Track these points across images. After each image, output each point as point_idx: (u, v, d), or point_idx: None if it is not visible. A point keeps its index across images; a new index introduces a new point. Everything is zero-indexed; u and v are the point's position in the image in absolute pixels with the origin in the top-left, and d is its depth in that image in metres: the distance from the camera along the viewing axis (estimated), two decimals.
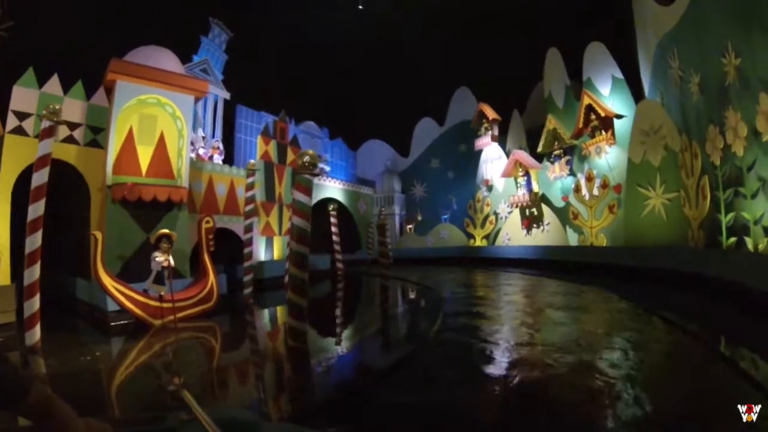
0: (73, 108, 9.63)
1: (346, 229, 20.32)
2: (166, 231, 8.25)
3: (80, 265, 9.57)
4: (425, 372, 4.89)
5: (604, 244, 13.78)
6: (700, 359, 4.88)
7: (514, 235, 18.32)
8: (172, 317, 7.90)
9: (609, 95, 14.25)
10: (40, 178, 6.46)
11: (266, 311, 10.23)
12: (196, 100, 11.22)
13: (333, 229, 17.51)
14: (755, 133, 6.95)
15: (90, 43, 11.26)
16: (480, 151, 20.53)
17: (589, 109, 14.31)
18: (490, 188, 19.98)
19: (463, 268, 17.61)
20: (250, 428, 1.50)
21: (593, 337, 5.87)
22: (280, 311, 9.47)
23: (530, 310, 8.12)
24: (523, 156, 17.35)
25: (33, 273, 6.32)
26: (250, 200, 11.38)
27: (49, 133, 6.61)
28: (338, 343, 6.79)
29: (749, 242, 7.52)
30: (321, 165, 20.83)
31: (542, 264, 15.69)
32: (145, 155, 9.87)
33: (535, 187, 17.03)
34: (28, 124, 8.95)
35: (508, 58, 19.60)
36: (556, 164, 16.24)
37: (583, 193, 14.74)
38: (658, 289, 9.52)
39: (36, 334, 6.34)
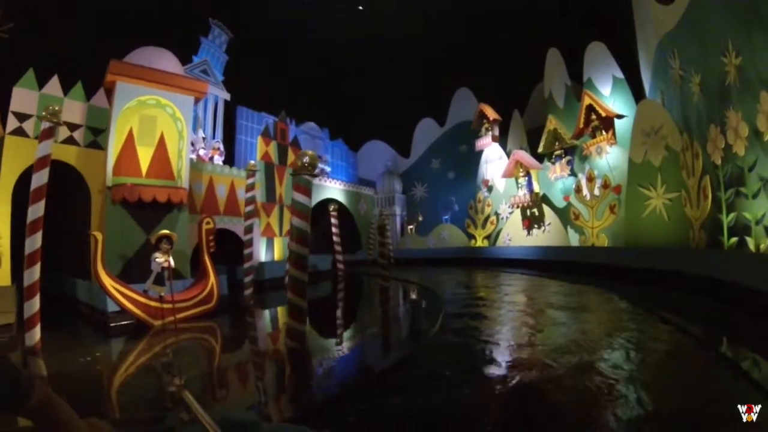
0: (73, 109, 9.66)
1: (347, 230, 20.32)
2: (166, 232, 8.25)
3: (80, 266, 9.58)
4: (426, 372, 4.88)
5: (605, 245, 13.76)
6: (701, 360, 4.86)
7: (514, 235, 18.29)
8: (172, 318, 7.90)
9: (609, 95, 14.23)
10: (39, 179, 6.48)
11: (266, 312, 10.23)
12: (196, 101, 11.23)
13: (334, 229, 17.51)
14: (756, 132, 6.92)
15: (90, 45, 11.28)
16: (481, 152, 20.51)
17: (590, 109, 14.29)
18: (489, 189, 19.96)
19: (463, 269, 17.59)
20: (250, 429, 1.49)
21: (594, 337, 5.85)
22: (281, 312, 9.46)
23: (531, 311, 8.11)
24: (524, 156, 17.33)
25: (33, 274, 6.33)
26: (251, 201, 11.38)
27: (48, 134, 6.62)
28: (338, 344, 6.78)
29: (751, 242, 7.50)
30: (321, 166, 20.84)
31: (543, 264, 15.65)
32: (145, 156, 9.88)
33: (536, 188, 17.01)
34: (29, 126, 8.97)
35: (508, 58, 19.58)
36: (557, 164, 16.21)
37: (584, 194, 14.72)
38: (659, 290, 9.49)
39: (36, 334, 6.35)
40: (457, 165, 22.35)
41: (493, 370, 4.68)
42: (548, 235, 16.52)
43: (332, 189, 20.49)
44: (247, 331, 8.43)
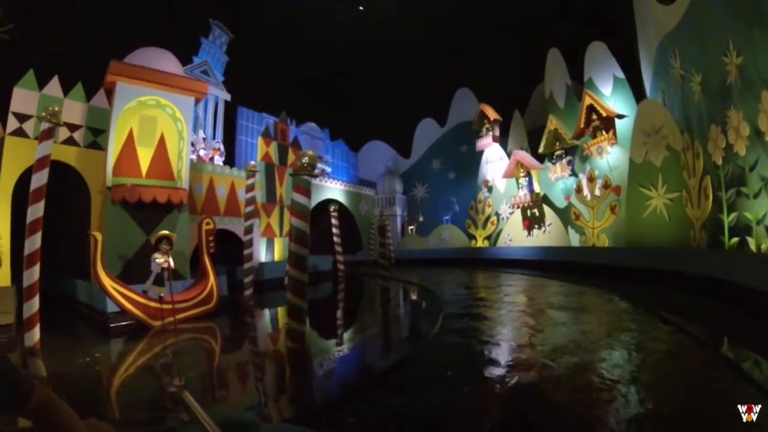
0: (74, 110, 9.67)
1: (348, 231, 20.31)
2: (166, 232, 8.25)
3: (80, 267, 9.57)
4: (426, 373, 4.86)
5: (606, 245, 13.73)
6: (702, 360, 4.83)
7: (515, 236, 18.26)
8: (171, 318, 7.90)
9: (610, 95, 14.20)
10: (39, 179, 6.48)
11: (266, 312, 10.22)
12: (197, 101, 11.24)
13: (334, 230, 17.50)
14: (757, 132, 6.90)
15: (90, 45, 11.30)
16: (481, 152, 20.48)
17: (591, 109, 14.27)
18: (490, 189, 19.93)
19: (464, 270, 17.56)
20: (250, 429, 1.50)
21: (594, 337, 5.83)
22: (281, 312, 9.44)
23: (531, 311, 8.08)
24: (525, 156, 17.30)
25: (32, 274, 6.33)
26: (251, 202, 11.37)
27: (48, 134, 6.62)
28: (338, 344, 6.77)
29: (752, 242, 7.47)
30: (322, 166, 20.85)
31: (543, 265, 15.62)
32: (145, 157, 9.89)
33: (537, 188, 16.98)
34: (29, 126, 8.98)
35: (509, 58, 19.57)
36: (558, 165, 16.18)
37: (585, 194, 14.70)
38: (660, 290, 9.46)
39: (35, 335, 6.36)
40: (457, 165, 22.32)
41: (494, 371, 4.66)
42: (549, 235, 16.49)
43: (333, 189, 20.49)
44: (247, 332, 8.42)
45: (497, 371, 4.64)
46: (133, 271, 8.98)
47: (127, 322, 7.94)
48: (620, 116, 13.59)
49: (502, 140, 19.76)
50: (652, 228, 11.51)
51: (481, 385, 4.34)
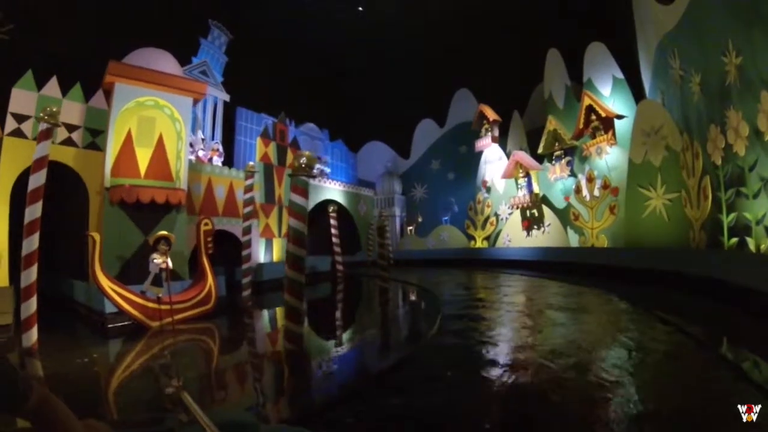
0: (72, 110, 9.65)
1: (347, 231, 20.32)
2: (164, 233, 8.23)
3: (78, 267, 9.55)
4: (425, 374, 4.84)
5: (605, 245, 13.72)
6: (701, 360, 4.82)
7: (514, 236, 18.26)
8: (170, 319, 7.87)
9: (609, 95, 14.20)
10: (37, 180, 6.47)
11: (265, 313, 10.20)
12: (195, 102, 11.22)
13: (333, 230, 17.50)
14: (757, 132, 6.89)
15: (90, 45, 11.28)
16: (480, 153, 20.47)
17: (590, 109, 14.26)
18: (488, 189, 19.93)
19: (463, 270, 17.54)
20: (249, 430, 1.51)
21: (593, 338, 5.82)
22: (279, 313, 9.42)
23: (530, 312, 8.07)
24: (524, 157, 17.30)
25: (30, 275, 6.32)
26: (249, 202, 11.36)
27: (46, 135, 6.61)
28: (337, 345, 6.75)
29: (751, 243, 7.46)
30: (321, 167, 20.84)
31: (543, 265, 15.61)
32: (143, 157, 9.88)
33: (536, 189, 16.98)
34: (27, 127, 8.96)
35: (508, 59, 19.58)
36: (557, 165, 16.18)
37: (584, 194, 14.69)
38: (659, 290, 9.46)
39: (33, 335, 6.34)
40: (456, 166, 22.31)
41: (493, 371, 4.64)
42: (548, 236, 16.49)
43: (332, 190, 20.48)
44: (246, 333, 8.40)
45: (496, 372, 4.62)
46: (131, 272, 8.96)
47: (125, 323, 7.92)
48: (619, 117, 13.59)
49: (502, 141, 19.77)
50: (652, 228, 11.50)
51: (480, 386, 4.33)
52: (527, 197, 17.16)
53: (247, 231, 11.36)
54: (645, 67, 13.01)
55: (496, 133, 19.82)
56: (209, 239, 9.48)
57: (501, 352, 5.49)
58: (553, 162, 16.41)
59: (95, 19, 12.92)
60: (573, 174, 15.60)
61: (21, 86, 9.05)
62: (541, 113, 17.60)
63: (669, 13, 9.68)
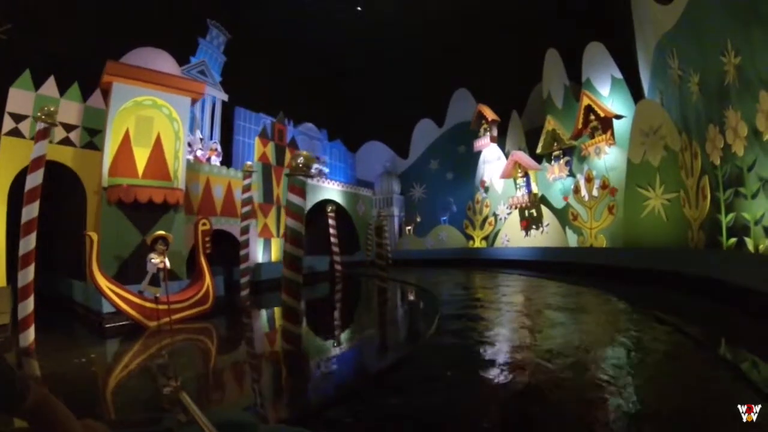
0: (70, 110, 9.62)
1: (345, 231, 20.31)
2: (162, 233, 8.23)
3: (76, 267, 9.53)
4: (423, 373, 4.83)
5: (604, 245, 13.73)
6: (700, 360, 4.82)
7: (513, 236, 18.26)
8: (167, 319, 7.85)
9: (608, 95, 14.21)
10: (34, 180, 6.45)
11: (263, 313, 10.18)
12: (193, 101, 11.18)
13: (331, 230, 17.48)
14: (755, 132, 6.89)
15: (87, 45, 11.26)
16: (479, 153, 20.46)
17: (589, 109, 14.26)
18: (487, 189, 19.93)
19: (462, 270, 17.54)
20: (247, 430, 1.51)
21: (591, 338, 5.81)
22: (277, 313, 9.41)
23: (529, 312, 8.07)
24: (523, 157, 17.29)
25: (27, 274, 6.30)
26: (247, 202, 11.34)
27: (43, 134, 6.59)
28: (335, 345, 6.74)
29: (750, 243, 7.47)
30: (319, 167, 20.84)
31: (541, 265, 15.61)
32: (141, 157, 9.85)
33: (535, 189, 16.98)
34: (25, 126, 8.92)
35: (507, 59, 19.58)
36: (556, 165, 16.19)
37: (583, 194, 14.69)
38: (658, 290, 9.46)
39: (30, 335, 6.32)
40: (455, 166, 22.30)
41: (491, 371, 4.63)
42: (546, 235, 16.49)
43: (330, 190, 20.46)
44: (244, 333, 8.39)
45: (495, 372, 4.62)
46: (128, 272, 8.93)
47: (123, 323, 7.90)
48: (618, 117, 13.59)
49: (500, 141, 19.77)
50: (650, 228, 11.50)
51: (479, 386, 4.32)
52: (526, 197, 17.16)
53: (245, 231, 11.33)
54: (644, 67, 13.01)
55: (495, 133, 19.81)
56: (207, 239, 9.47)
57: (499, 352, 5.48)
58: (552, 162, 16.41)
59: (94, 18, 12.89)
60: (572, 174, 15.60)
61: (18, 86, 9.01)
62: (540, 113, 17.60)
63: (668, 12, 9.68)
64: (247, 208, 11.35)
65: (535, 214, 17.14)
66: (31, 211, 6.35)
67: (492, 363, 4.95)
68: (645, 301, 8.28)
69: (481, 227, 20.24)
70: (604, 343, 5.56)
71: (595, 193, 14.20)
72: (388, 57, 23.82)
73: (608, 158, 13.81)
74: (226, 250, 12.45)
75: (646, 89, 13.03)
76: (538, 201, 16.92)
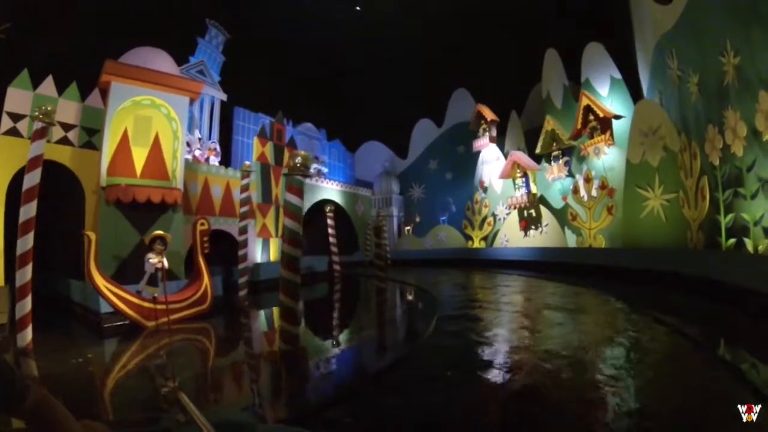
0: (68, 109, 9.61)
1: (344, 231, 20.29)
2: (160, 232, 8.23)
3: (75, 267, 9.52)
4: (422, 373, 4.82)
5: (603, 246, 13.73)
6: (699, 361, 4.81)
7: (512, 236, 18.25)
8: (165, 319, 7.84)
9: (607, 96, 14.22)
10: (31, 179, 6.44)
11: (261, 313, 10.17)
12: (192, 101, 11.17)
13: (330, 230, 17.46)
14: (755, 132, 6.89)
15: (85, 45, 11.22)
16: (478, 153, 20.45)
17: (588, 109, 14.26)
18: (486, 189, 19.92)
19: (460, 270, 17.52)
20: (246, 430, 1.51)
21: (590, 338, 5.80)
22: (276, 313, 9.39)
23: (528, 312, 8.06)
24: (522, 157, 17.29)
25: (25, 274, 6.29)
26: (246, 202, 11.32)
27: (41, 134, 6.58)
28: (334, 345, 6.73)
29: (749, 243, 7.46)
30: (318, 166, 20.82)
31: (540, 266, 15.61)
32: (139, 157, 9.84)
33: (534, 189, 16.97)
34: (23, 126, 8.90)
35: (506, 59, 19.58)
36: (555, 165, 16.19)
37: (582, 194, 14.69)
38: (657, 291, 9.46)
39: (28, 335, 6.30)
40: (454, 166, 22.30)
41: (490, 371, 4.62)
42: (545, 236, 16.48)
43: (329, 190, 20.45)
44: (242, 333, 8.38)
45: (494, 372, 4.61)
46: (127, 272, 8.92)
47: (121, 323, 7.88)
48: (617, 117, 13.60)
49: (499, 141, 19.76)
50: (649, 229, 11.50)
51: (478, 386, 4.31)
52: (525, 197, 17.14)
53: (244, 231, 11.31)
54: (643, 67, 13.02)
55: (494, 133, 19.79)
56: (205, 239, 9.46)
57: (498, 352, 5.47)
58: (551, 162, 16.41)
59: (93, 18, 12.85)
60: (571, 174, 15.60)
61: (16, 85, 8.99)
62: (539, 113, 17.60)
63: (667, 13, 9.69)
64: (245, 208, 11.33)
65: (534, 215, 17.13)
66: (28, 211, 6.33)
67: (491, 363, 4.94)
68: (644, 301, 8.27)
69: (480, 227, 20.23)
70: (603, 343, 5.55)
71: (594, 193, 14.19)
72: (387, 57, 23.81)
73: (607, 158, 13.81)
74: (224, 250, 12.43)
75: (646, 89, 13.04)
76: (537, 201, 16.91)
